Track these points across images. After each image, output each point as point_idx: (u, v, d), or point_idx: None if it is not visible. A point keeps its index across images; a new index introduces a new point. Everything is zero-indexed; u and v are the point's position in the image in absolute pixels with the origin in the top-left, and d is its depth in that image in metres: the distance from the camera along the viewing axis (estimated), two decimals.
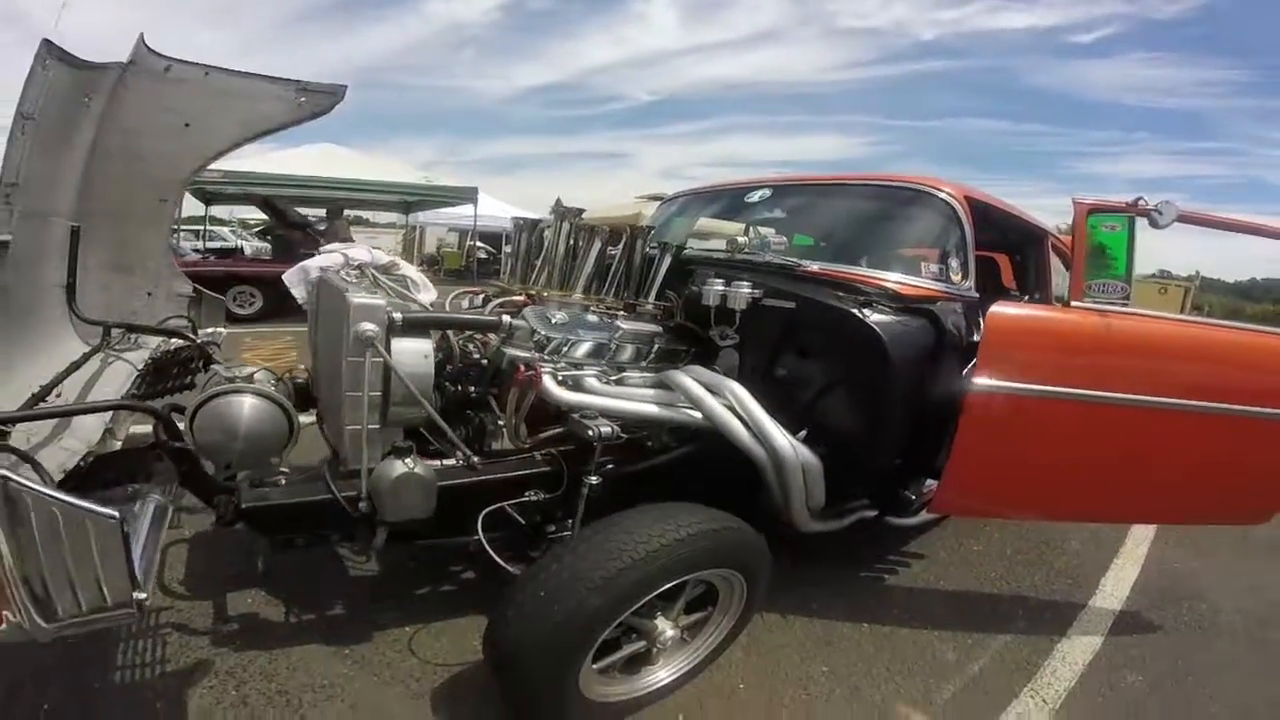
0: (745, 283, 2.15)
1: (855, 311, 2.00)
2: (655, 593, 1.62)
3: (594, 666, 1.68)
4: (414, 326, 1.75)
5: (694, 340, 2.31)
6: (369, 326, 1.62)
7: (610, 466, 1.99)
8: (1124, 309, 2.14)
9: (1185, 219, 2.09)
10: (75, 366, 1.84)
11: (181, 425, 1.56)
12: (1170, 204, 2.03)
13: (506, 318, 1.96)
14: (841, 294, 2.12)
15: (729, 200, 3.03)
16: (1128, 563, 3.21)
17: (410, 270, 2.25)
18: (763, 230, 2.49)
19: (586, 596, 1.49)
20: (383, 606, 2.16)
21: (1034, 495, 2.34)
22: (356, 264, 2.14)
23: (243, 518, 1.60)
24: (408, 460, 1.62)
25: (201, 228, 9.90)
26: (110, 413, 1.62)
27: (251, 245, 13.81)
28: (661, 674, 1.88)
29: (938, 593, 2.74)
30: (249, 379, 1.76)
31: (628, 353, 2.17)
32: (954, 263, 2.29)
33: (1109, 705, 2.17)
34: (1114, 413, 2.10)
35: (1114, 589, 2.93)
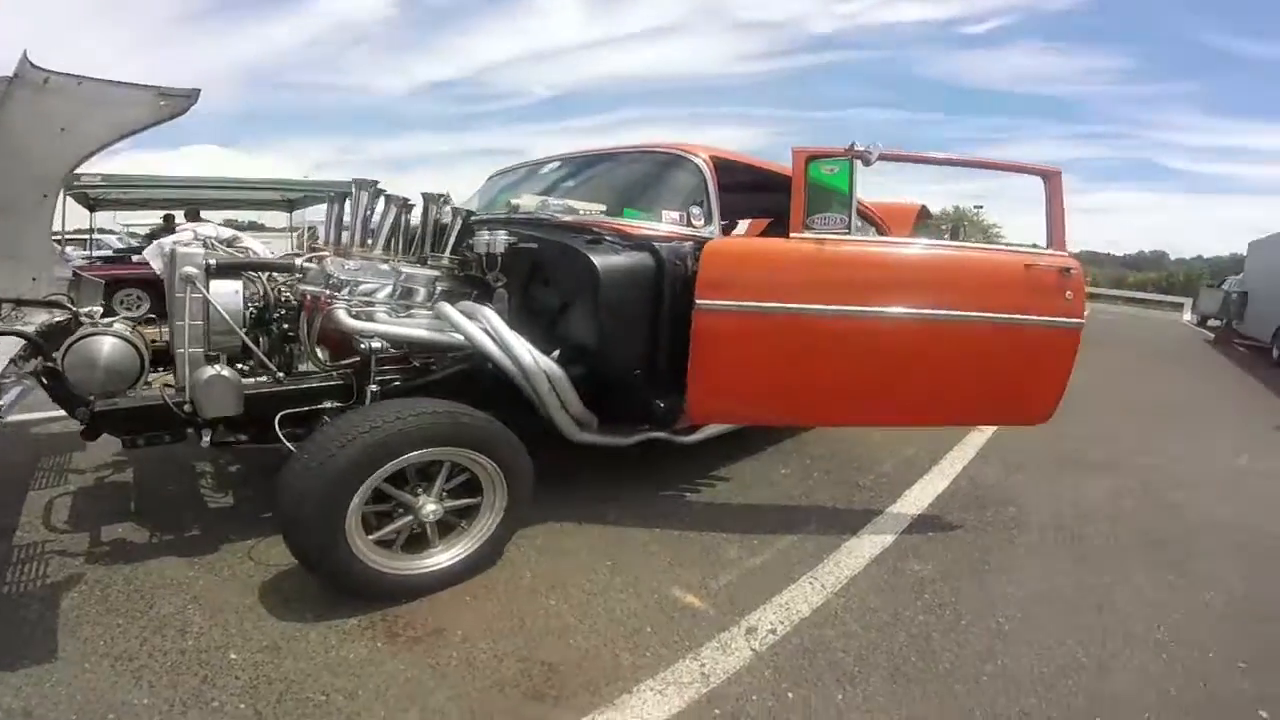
0: (503, 232, 2.56)
1: (577, 247, 2.39)
2: (397, 460, 1.93)
3: (370, 537, 1.99)
4: (225, 269, 2.22)
5: (479, 285, 2.69)
6: (190, 268, 2.09)
7: (396, 383, 2.38)
8: (843, 237, 2.50)
9: (885, 157, 2.49)
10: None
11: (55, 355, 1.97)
12: (876, 146, 2.43)
13: (299, 260, 2.41)
14: (574, 235, 2.52)
15: (529, 174, 3.48)
16: (937, 478, 3.45)
17: (253, 244, 2.65)
18: (552, 199, 2.88)
19: (333, 457, 1.84)
20: (231, 528, 2.46)
21: (777, 400, 2.63)
22: (203, 237, 2.57)
23: (96, 420, 1.99)
24: (216, 366, 2.04)
25: (88, 236, 9.32)
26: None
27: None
28: (440, 557, 2.13)
29: (734, 505, 2.97)
30: (109, 326, 2.15)
31: (413, 294, 2.53)
32: (696, 210, 2.71)
33: (891, 587, 2.34)
34: (837, 324, 2.44)
35: (918, 498, 3.16)
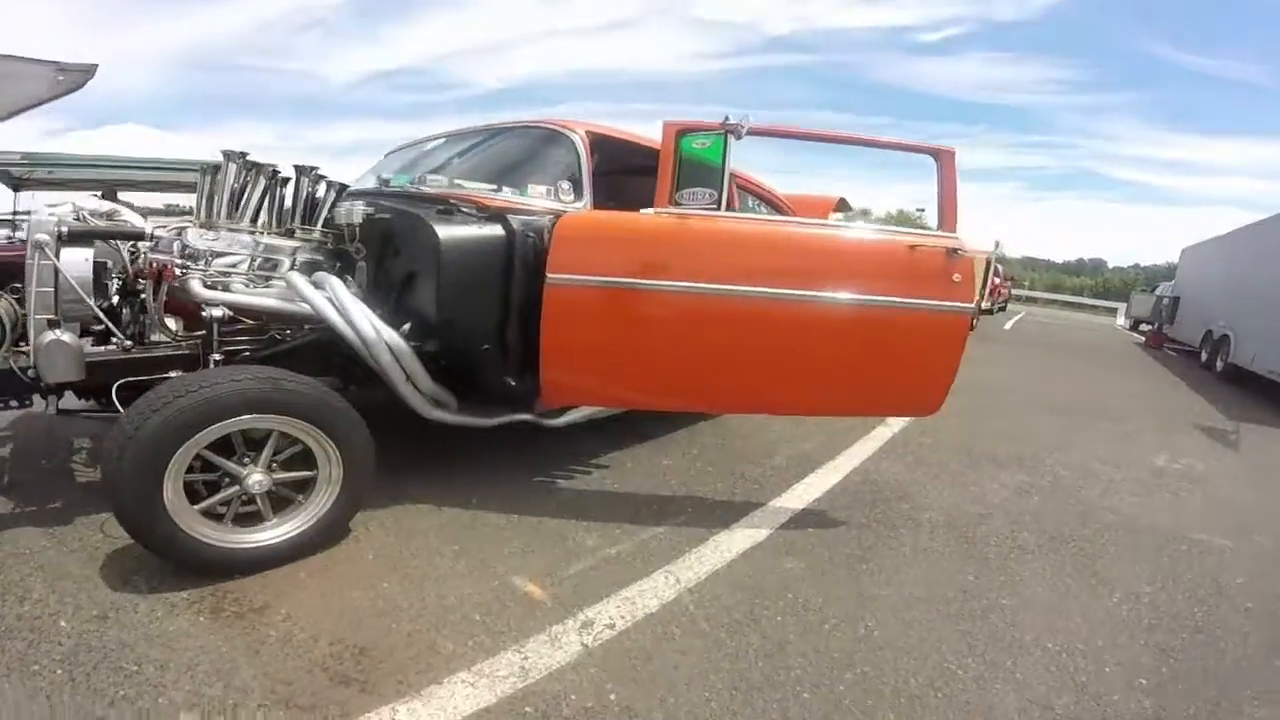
0: (360, 203, 2.32)
1: (423, 216, 2.16)
2: (214, 426, 1.74)
3: (195, 507, 1.80)
4: (77, 236, 1.99)
5: (345, 257, 2.45)
6: (41, 235, 1.88)
7: (246, 353, 2.16)
8: (712, 212, 2.25)
9: (756, 131, 2.27)
10: None
11: None
12: (745, 120, 2.21)
13: (149, 228, 2.16)
14: (426, 206, 2.28)
15: (418, 150, 3.22)
16: (830, 473, 3.17)
17: (133, 217, 2.41)
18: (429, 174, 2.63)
19: (147, 420, 1.66)
20: (93, 502, 2.21)
21: (636, 382, 2.38)
22: (79, 210, 2.34)
23: None
24: (57, 331, 1.85)
25: (11, 215, 9.35)
26: None
27: None
28: (274, 532, 1.92)
29: (605, 493, 2.69)
30: None
31: (277, 265, 2.31)
32: (565, 184, 2.45)
33: (754, 585, 2.07)
34: (699, 303, 2.19)
35: (805, 492, 2.88)
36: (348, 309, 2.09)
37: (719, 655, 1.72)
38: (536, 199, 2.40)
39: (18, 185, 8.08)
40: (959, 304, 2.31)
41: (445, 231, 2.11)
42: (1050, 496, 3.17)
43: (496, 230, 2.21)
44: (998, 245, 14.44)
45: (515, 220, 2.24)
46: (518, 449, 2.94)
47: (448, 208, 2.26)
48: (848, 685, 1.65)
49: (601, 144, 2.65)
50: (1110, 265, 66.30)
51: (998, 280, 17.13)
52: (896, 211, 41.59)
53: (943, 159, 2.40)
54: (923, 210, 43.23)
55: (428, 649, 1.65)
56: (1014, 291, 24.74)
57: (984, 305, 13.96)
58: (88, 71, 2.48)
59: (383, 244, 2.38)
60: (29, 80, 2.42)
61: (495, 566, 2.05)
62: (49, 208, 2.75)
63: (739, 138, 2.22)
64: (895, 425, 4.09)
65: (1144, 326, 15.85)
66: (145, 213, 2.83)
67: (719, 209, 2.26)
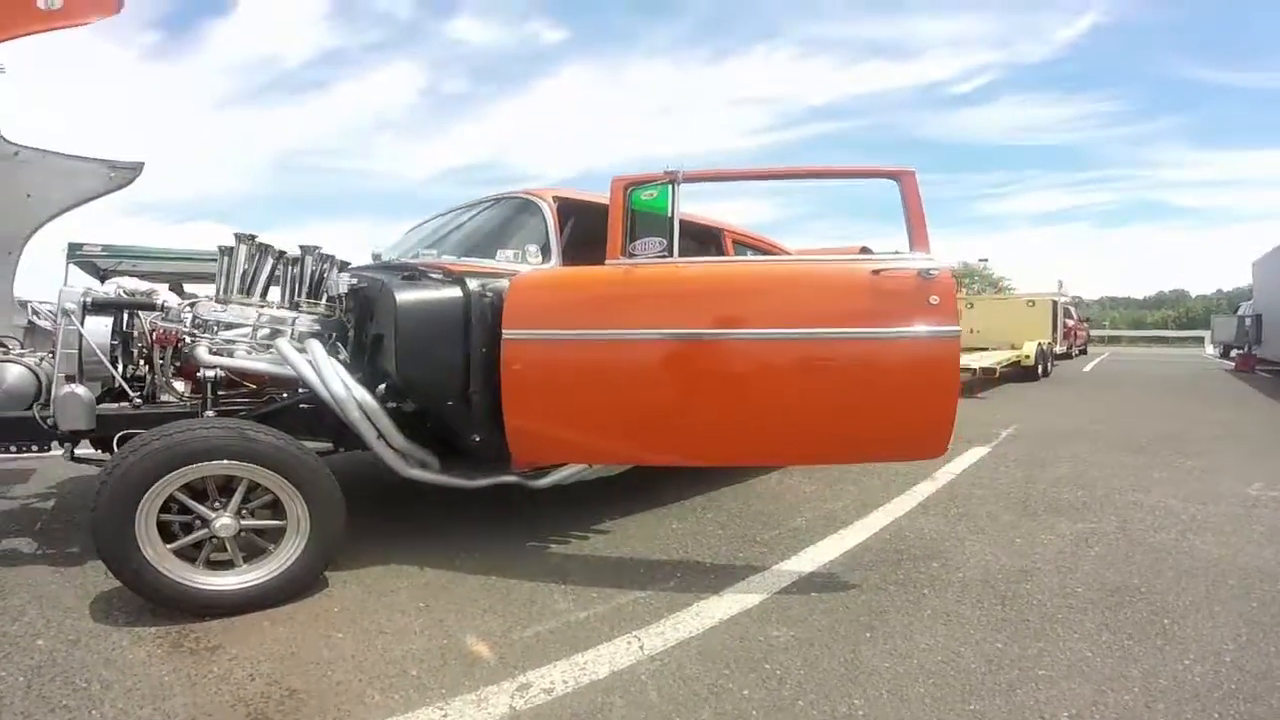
0: (346, 274, 2.38)
1: (386, 282, 2.17)
2: (183, 469, 1.77)
3: (168, 547, 1.81)
4: (100, 306, 2.16)
5: (343, 326, 2.50)
6: (69, 304, 2.08)
7: (242, 412, 2.18)
8: (663, 261, 2.13)
9: (693, 177, 2.18)
10: None
11: None
12: (680, 169, 2.14)
13: (162, 298, 2.32)
14: (396, 274, 2.28)
15: (428, 225, 3.23)
16: (857, 531, 2.70)
17: (170, 297, 2.58)
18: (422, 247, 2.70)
19: (124, 461, 1.74)
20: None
21: (603, 436, 2.17)
22: (121, 288, 2.55)
23: None
24: (73, 385, 1.98)
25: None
26: None
27: None
28: (242, 577, 1.89)
29: (595, 558, 2.41)
30: (20, 358, 2.24)
31: (280, 334, 2.35)
32: (532, 247, 2.40)
33: (727, 655, 1.72)
34: (655, 349, 2.04)
35: (816, 555, 2.44)
36: (322, 369, 2.08)
37: None
38: (504, 262, 2.37)
39: (104, 276, 8.37)
40: (942, 328, 1.96)
41: (402, 295, 2.10)
42: (1115, 544, 2.55)
43: (454, 292, 2.17)
44: (1061, 285, 13.18)
45: (473, 282, 2.19)
46: (516, 513, 2.76)
47: (412, 274, 2.26)
48: None
49: (572, 208, 2.62)
50: (1193, 294, 58.30)
51: (1072, 322, 15.44)
52: (961, 264, 39.40)
53: (904, 180, 2.14)
54: (985, 260, 40.68)
55: (354, 698, 1.52)
56: (1093, 333, 22.23)
57: (1058, 349, 12.54)
58: (135, 169, 2.77)
59: (361, 311, 2.42)
60: (87, 176, 2.74)
61: (453, 626, 1.86)
62: (109, 285, 3.03)
63: (677, 184, 2.12)
64: (942, 478, 3.54)
65: (1235, 352, 13.66)
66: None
67: (670, 255, 2.12)
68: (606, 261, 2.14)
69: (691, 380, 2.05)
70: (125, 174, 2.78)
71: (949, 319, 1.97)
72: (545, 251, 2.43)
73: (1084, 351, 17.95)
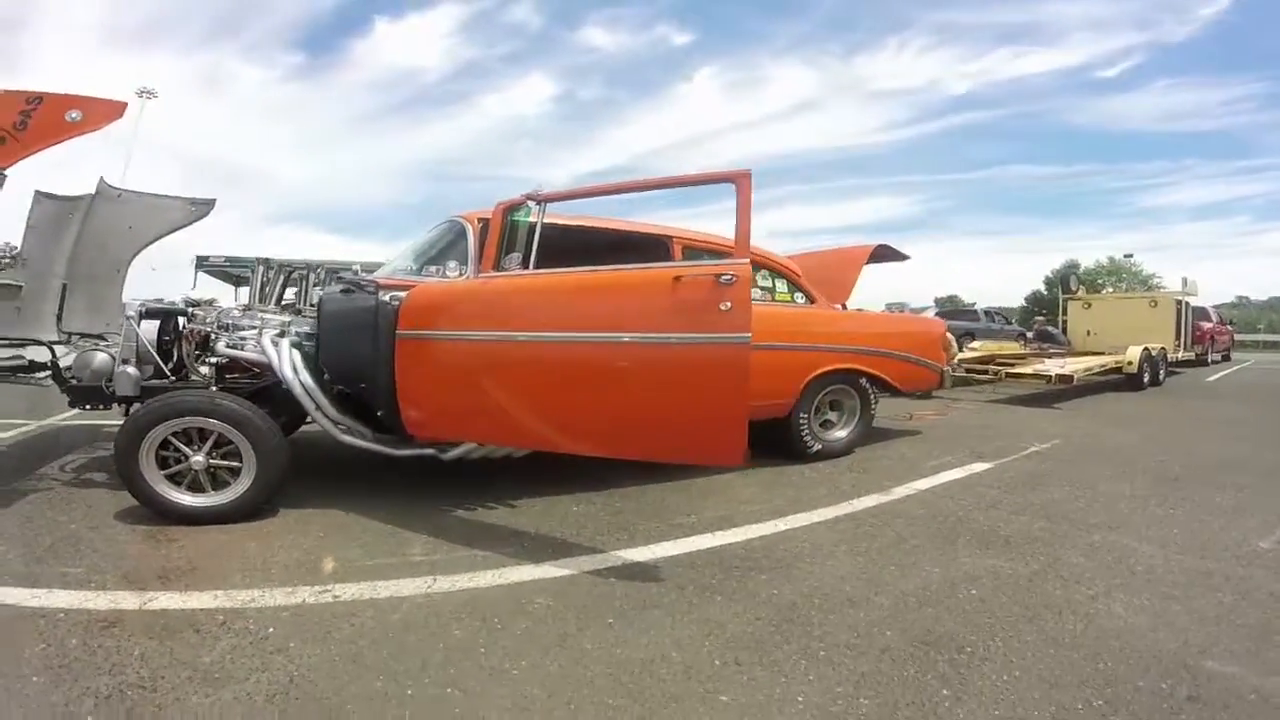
0: (319, 288, 2.70)
1: (323, 294, 2.42)
2: (172, 420, 2.14)
3: (162, 472, 2.19)
4: (150, 314, 2.60)
5: None
6: (130, 311, 2.57)
7: (241, 389, 2.46)
8: (515, 274, 2.14)
9: (548, 198, 2.15)
10: (53, 344, 2.78)
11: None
12: (540, 190, 2.15)
13: (192, 309, 2.72)
14: (344, 286, 2.48)
15: (408, 245, 3.31)
16: (733, 534, 2.28)
17: (228, 304, 2.98)
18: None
19: (136, 415, 2.18)
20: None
21: (470, 419, 2.20)
22: (187, 297, 3.01)
23: (72, 392, 2.51)
24: (126, 366, 2.39)
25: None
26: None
27: None
28: (207, 500, 2.22)
29: (479, 524, 2.35)
30: (106, 347, 2.61)
31: (284, 333, 2.58)
32: (452, 263, 2.51)
33: (482, 608, 1.66)
34: (488, 349, 2.05)
35: (664, 549, 2.14)
36: (281, 358, 2.34)
37: (365, 655, 1.44)
38: (427, 275, 2.50)
39: (238, 282, 8.63)
40: (730, 335, 1.64)
41: (327, 305, 2.35)
42: (1003, 591, 1.86)
43: (366, 299, 2.35)
44: (1186, 284, 9.80)
45: (384, 293, 2.34)
46: (449, 483, 2.77)
47: (350, 287, 2.46)
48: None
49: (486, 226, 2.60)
50: None
51: (1209, 325, 11.49)
52: (1108, 260, 31.43)
53: (740, 183, 1.84)
54: (1130, 256, 32.19)
55: (224, 579, 1.80)
56: (1243, 337, 16.38)
57: (1182, 355, 9.40)
58: (209, 204, 2.92)
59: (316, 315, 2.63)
60: (172, 211, 2.86)
61: (326, 549, 2.04)
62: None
63: (539, 203, 2.10)
64: (899, 492, 2.90)
65: None
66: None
67: (526, 268, 2.05)
68: (481, 274, 2.14)
69: (515, 376, 2.01)
70: (203, 208, 2.93)
71: (738, 325, 1.64)
72: (463, 265, 2.52)
73: (1226, 358, 13.26)
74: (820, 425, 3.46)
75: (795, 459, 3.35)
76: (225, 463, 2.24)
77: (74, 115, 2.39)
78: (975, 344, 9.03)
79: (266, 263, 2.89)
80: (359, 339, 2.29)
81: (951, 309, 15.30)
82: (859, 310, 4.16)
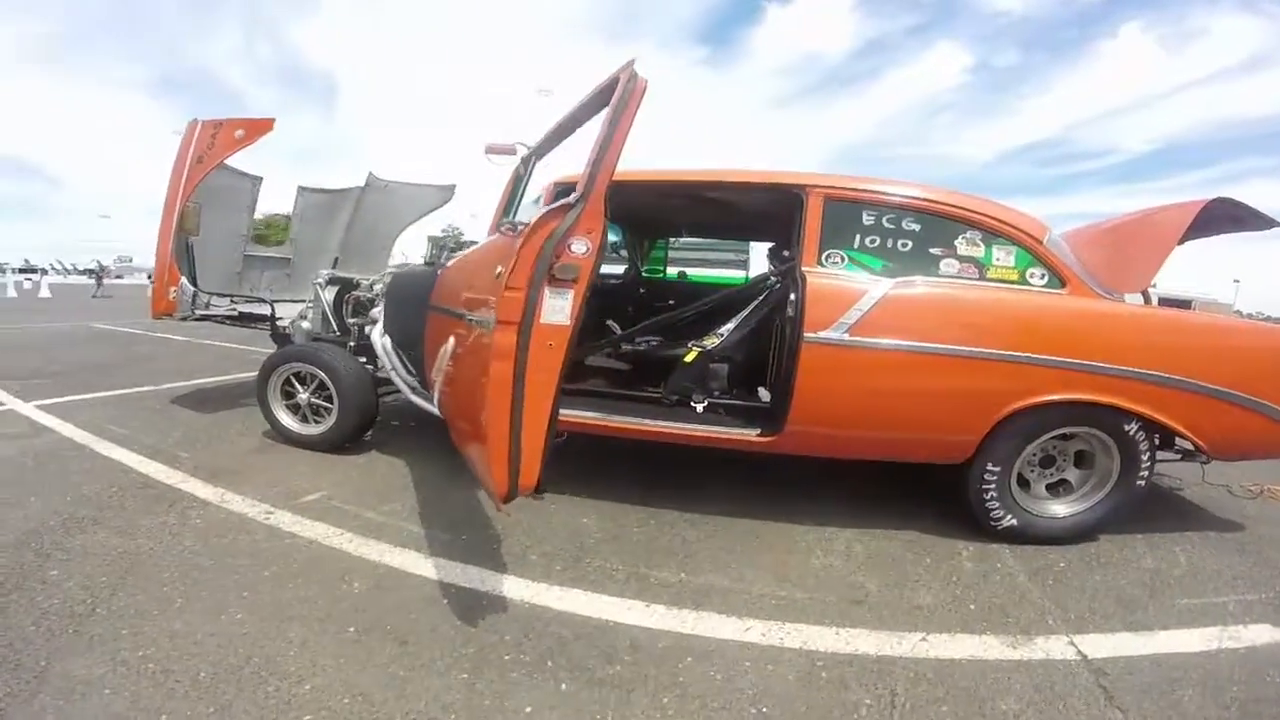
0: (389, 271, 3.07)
1: (393, 270, 2.78)
2: (289, 363, 2.62)
3: (283, 402, 2.67)
4: (330, 281, 2.99)
5: None
6: (316, 280, 2.98)
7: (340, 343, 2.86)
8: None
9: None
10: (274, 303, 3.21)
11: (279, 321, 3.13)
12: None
13: (358, 281, 3.00)
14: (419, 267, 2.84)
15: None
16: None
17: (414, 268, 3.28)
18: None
19: (269, 360, 2.72)
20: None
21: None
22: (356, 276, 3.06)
23: (278, 336, 3.11)
24: (303, 320, 2.98)
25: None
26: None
27: None
28: (306, 429, 2.66)
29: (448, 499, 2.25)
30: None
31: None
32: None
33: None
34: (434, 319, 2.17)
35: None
36: (376, 326, 2.68)
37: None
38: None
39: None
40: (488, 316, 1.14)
41: (393, 274, 2.77)
42: None
43: (430, 273, 2.64)
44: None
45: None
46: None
47: (424, 267, 2.76)
48: None
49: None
50: None
51: None
52: None
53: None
54: None
55: (253, 487, 2.21)
56: None
57: None
58: (451, 190, 3.29)
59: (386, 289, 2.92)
60: (425, 196, 3.30)
61: (326, 486, 2.27)
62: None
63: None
64: (1063, 650, 1.51)
65: None
66: None
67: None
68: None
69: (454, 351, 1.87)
70: (446, 193, 3.32)
71: (507, 307, 1.10)
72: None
73: None
74: (1031, 486, 2.11)
75: (979, 532, 2.11)
76: (317, 400, 2.64)
77: (239, 133, 2.72)
78: None
79: (442, 239, 3.40)
80: (415, 312, 2.47)
81: None
82: (1147, 308, 2.37)
